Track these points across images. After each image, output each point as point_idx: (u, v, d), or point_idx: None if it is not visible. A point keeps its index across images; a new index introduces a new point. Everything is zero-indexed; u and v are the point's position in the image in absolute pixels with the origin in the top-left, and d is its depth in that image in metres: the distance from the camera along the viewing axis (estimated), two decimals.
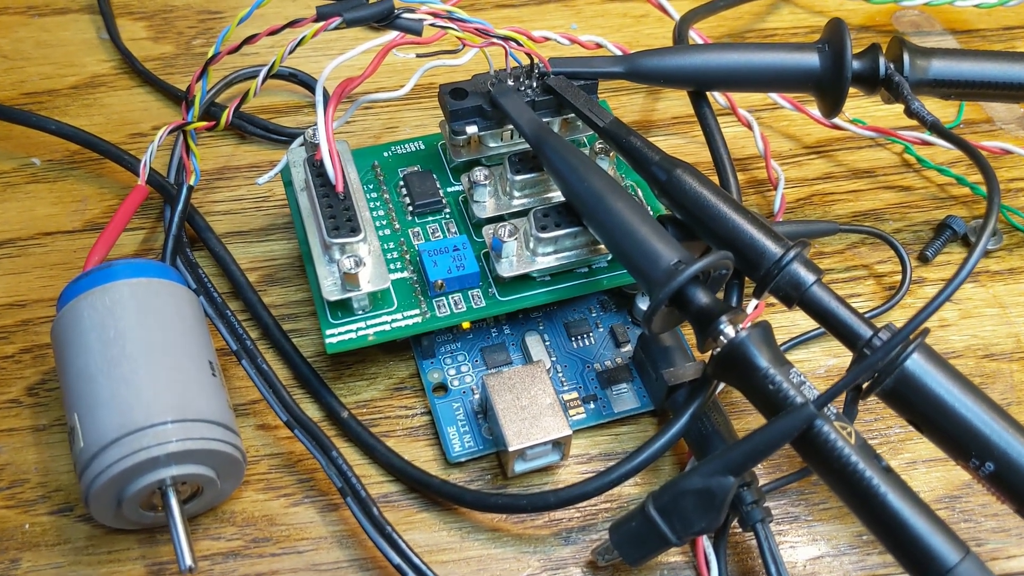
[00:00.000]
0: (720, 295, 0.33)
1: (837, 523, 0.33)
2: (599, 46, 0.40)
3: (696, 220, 0.32)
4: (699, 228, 0.33)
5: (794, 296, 0.31)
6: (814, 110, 0.42)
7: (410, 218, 0.37)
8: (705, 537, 0.32)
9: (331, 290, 0.33)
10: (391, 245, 0.36)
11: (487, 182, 0.36)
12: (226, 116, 0.35)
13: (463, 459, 0.34)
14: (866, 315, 0.32)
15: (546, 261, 0.35)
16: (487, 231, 0.35)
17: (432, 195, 0.38)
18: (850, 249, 0.41)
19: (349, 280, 0.33)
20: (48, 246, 0.40)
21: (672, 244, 0.31)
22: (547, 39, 0.38)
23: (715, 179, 0.37)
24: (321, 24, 0.32)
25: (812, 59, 0.36)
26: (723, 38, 0.50)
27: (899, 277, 0.39)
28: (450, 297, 0.35)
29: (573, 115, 0.37)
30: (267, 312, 0.37)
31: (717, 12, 0.46)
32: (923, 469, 0.35)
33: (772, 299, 0.33)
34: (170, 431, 0.29)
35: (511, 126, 0.37)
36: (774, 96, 0.43)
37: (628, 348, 0.37)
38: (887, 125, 0.44)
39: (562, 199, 0.35)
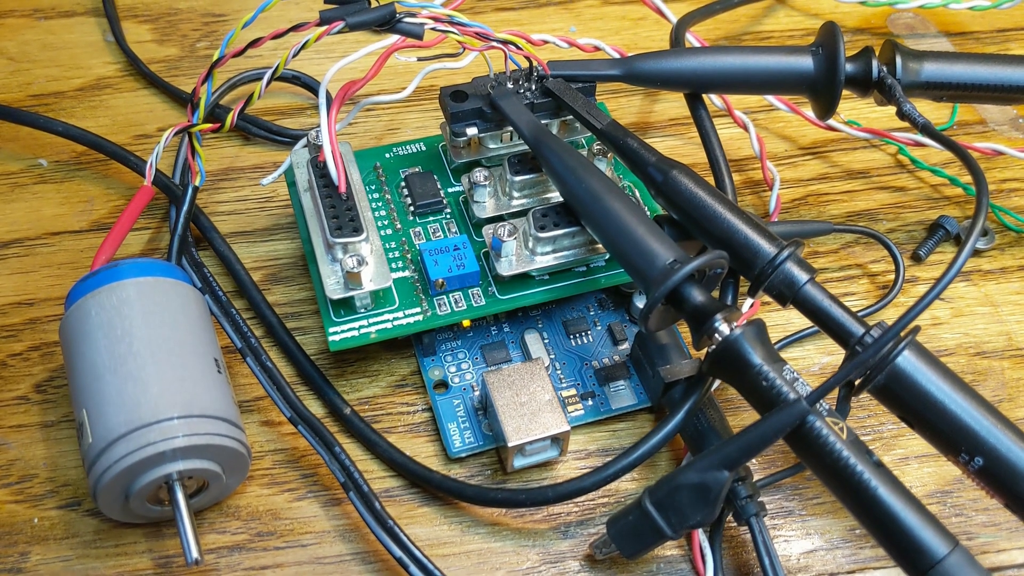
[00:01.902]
0: (715, 294, 0.33)
1: (830, 517, 0.34)
2: (597, 49, 0.40)
3: (692, 220, 0.33)
4: (695, 228, 0.33)
5: (788, 295, 0.31)
6: (809, 112, 0.43)
7: (411, 218, 0.38)
8: (700, 531, 0.32)
9: (334, 289, 0.34)
10: (393, 245, 0.37)
11: (487, 183, 0.36)
12: (231, 118, 0.35)
13: (463, 455, 0.34)
14: (860, 314, 0.32)
15: (545, 260, 0.35)
16: (487, 231, 0.36)
17: (433, 195, 0.38)
18: (844, 249, 0.41)
19: (352, 279, 0.33)
20: (55, 246, 0.40)
21: (668, 243, 0.31)
22: (546, 42, 0.39)
23: (711, 180, 0.37)
24: (324, 28, 0.33)
25: (806, 62, 0.37)
26: (719, 41, 0.50)
27: (892, 276, 0.40)
28: (451, 296, 0.36)
29: (571, 117, 0.37)
30: (271, 310, 0.38)
31: (714, 15, 0.47)
32: (915, 465, 0.35)
33: (767, 298, 0.34)
34: (176, 427, 0.29)
35: (510, 128, 0.37)
36: (770, 98, 0.44)
37: (625, 346, 0.37)
38: (881, 127, 0.44)
39: (560, 199, 0.36)
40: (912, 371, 0.29)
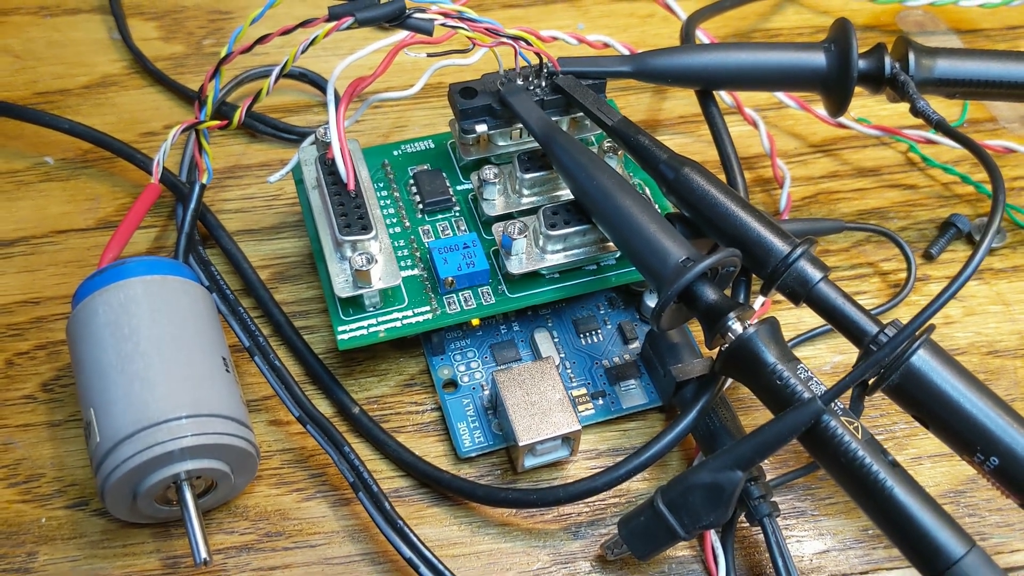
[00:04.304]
0: (727, 292, 0.33)
1: (843, 517, 0.34)
2: (607, 45, 0.40)
3: (704, 218, 0.33)
4: (707, 226, 0.33)
5: (801, 293, 0.31)
6: (820, 109, 0.43)
7: (420, 216, 0.38)
8: (713, 531, 0.32)
9: (343, 287, 0.33)
10: (402, 243, 0.37)
11: (496, 180, 0.36)
12: (238, 115, 0.35)
13: (473, 454, 0.34)
14: (872, 312, 0.32)
15: (555, 258, 0.35)
16: (497, 229, 0.35)
17: (442, 193, 0.38)
18: (855, 247, 0.41)
19: (360, 277, 0.33)
20: (61, 244, 0.40)
21: (680, 241, 0.31)
22: (555, 39, 0.38)
23: (722, 177, 0.37)
24: (333, 24, 0.33)
25: (818, 58, 0.37)
26: (728, 38, 0.50)
27: (904, 275, 0.40)
28: (460, 294, 0.35)
29: (581, 114, 0.37)
30: (279, 309, 0.38)
31: (724, 12, 0.46)
32: (928, 464, 0.35)
33: (778, 296, 0.34)
34: (185, 426, 0.29)
35: (520, 125, 0.37)
36: (780, 95, 0.44)
37: (636, 345, 0.37)
38: (892, 124, 0.44)
39: (571, 197, 0.36)
40: (927, 370, 0.29)
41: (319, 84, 0.45)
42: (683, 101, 0.47)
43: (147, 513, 0.31)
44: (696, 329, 0.37)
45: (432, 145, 0.40)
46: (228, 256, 0.39)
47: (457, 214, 0.38)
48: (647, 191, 0.39)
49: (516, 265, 0.35)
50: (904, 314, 0.39)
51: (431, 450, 0.35)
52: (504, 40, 0.35)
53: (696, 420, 0.32)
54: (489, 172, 0.36)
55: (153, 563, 0.32)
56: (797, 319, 0.39)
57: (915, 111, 0.36)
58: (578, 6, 0.51)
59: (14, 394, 0.36)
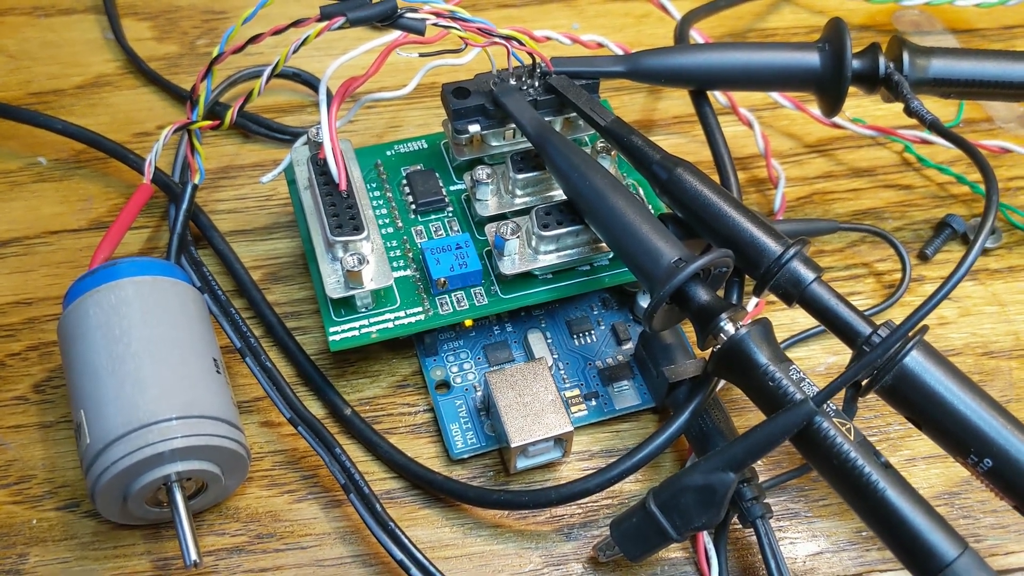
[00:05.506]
0: (720, 293, 0.33)
1: (836, 519, 0.33)
2: (600, 45, 0.40)
3: (697, 218, 0.33)
4: (700, 226, 0.33)
5: (794, 294, 0.31)
6: (815, 109, 0.42)
7: (413, 216, 0.38)
8: (705, 533, 0.32)
9: (334, 288, 0.33)
10: (394, 243, 0.37)
11: (489, 180, 0.36)
12: (230, 115, 0.35)
13: (465, 456, 0.34)
14: (866, 313, 0.32)
15: (548, 259, 0.35)
16: (489, 229, 0.35)
17: (435, 193, 0.38)
18: (850, 247, 0.41)
19: (352, 278, 0.33)
20: (54, 244, 0.40)
21: (673, 242, 0.31)
22: (549, 39, 0.38)
23: (716, 178, 0.37)
24: (325, 24, 0.33)
25: (812, 58, 0.37)
26: (723, 38, 0.50)
27: (899, 275, 0.40)
28: (453, 295, 0.35)
29: (575, 114, 0.37)
30: (271, 310, 0.37)
31: (718, 12, 0.46)
32: (922, 466, 0.35)
33: (772, 297, 0.34)
34: (175, 427, 0.29)
35: (513, 125, 0.37)
36: (775, 95, 0.44)
37: (629, 345, 0.37)
38: (887, 124, 0.44)
39: (564, 197, 0.35)
40: (920, 371, 0.29)
41: (312, 84, 0.45)
42: (677, 101, 0.47)
43: (138, 515, 0.31)
44: (689, 330, 0.37)
45: (425, 145, 0.40)
46: (220, 257, 0.39)
47: (450, 214, 0.38)
48: (640, 192, 0.39)
49: (509, 266, 0.35)
50: (899, 315, 0.38)
51: (423, 451, 0.35)
52: (497, 40, 0.35)
53: (689, 421, 0.32)
54: (482, 172, 0.36)
55: (144, 565, 0.32)
56: (791, 320, 0.38)
57: (909, 111, 0.35)
58: (573, 6, 0.51)
59: (6, 395, 0.35)
